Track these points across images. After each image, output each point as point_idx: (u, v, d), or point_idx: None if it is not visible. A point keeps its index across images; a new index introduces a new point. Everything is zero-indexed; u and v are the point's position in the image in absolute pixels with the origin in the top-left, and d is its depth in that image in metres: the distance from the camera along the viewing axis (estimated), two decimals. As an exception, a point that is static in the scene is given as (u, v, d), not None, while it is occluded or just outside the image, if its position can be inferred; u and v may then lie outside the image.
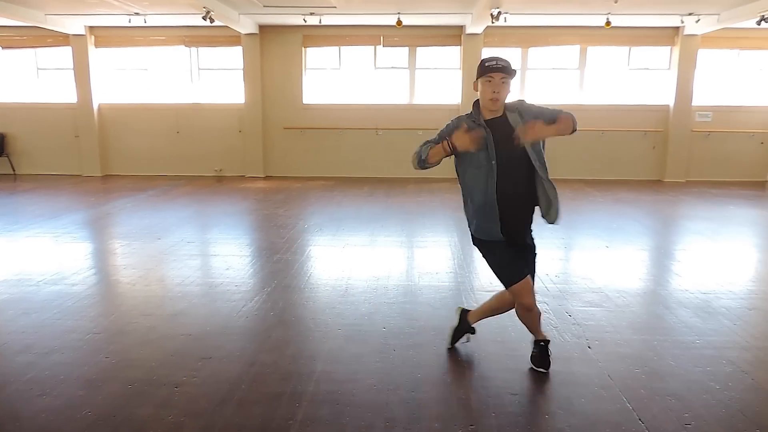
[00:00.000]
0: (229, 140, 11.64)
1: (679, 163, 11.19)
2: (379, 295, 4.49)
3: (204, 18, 8.80)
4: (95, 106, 11.52)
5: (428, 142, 3.06)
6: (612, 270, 5.26)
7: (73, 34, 11.05)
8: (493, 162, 2.88)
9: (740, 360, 3.36)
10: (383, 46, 11.16)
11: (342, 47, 11.33)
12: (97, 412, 2.78)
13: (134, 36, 11.28)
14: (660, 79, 11.21)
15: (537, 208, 3.04)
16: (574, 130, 2.88)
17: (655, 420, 2.72)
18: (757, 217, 8.06)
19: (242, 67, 11.25)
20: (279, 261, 5.46)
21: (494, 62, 2.85)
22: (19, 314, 4.06)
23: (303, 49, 11.30)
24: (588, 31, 10.73)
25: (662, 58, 11.15)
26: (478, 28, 10.36)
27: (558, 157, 2.99)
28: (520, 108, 2.97)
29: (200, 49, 11.52)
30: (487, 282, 4.78)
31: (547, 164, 2.95)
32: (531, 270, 3.11)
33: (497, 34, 10.77)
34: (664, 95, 11.16)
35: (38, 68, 11.80)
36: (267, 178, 11.42)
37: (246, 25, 10.48)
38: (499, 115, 2.95)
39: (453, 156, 3.01)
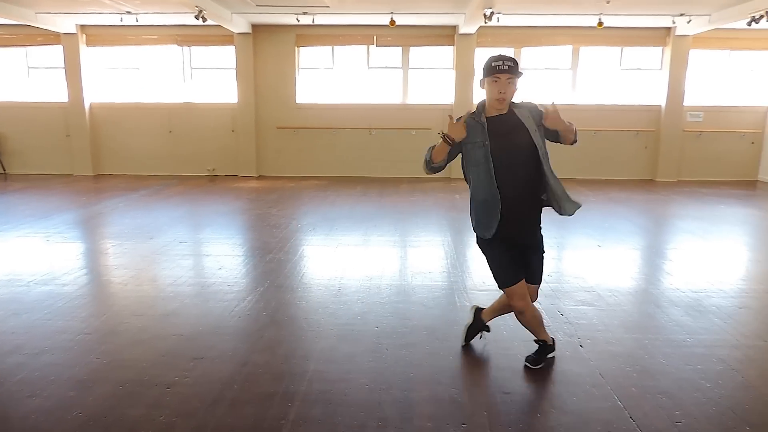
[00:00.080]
0: (222, 140, 11.60)
1: (671, 163, 11.26)
2: (372, 294, 4.49)
3: (196, 17, 8.77)
4: (87, 106, 11.45)
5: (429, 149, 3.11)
6: (604, 269, 5.29)
7: (64, 32, 10.98)
8: (490, 158, 2.90)
9: (730, 358, 3.38)
10: (376, 46, 11.16)
11: (335, 47, 11.31)
12: (88, 413, 2.76)
13: (126, 35, 11.21)
14: (652, 79, 11.27)
15: (544, 209, 3.08)
16: (575, 141, 2.96)
17: (646, 418, 2.73)
18: (748, 216, 8.12)
19: (235, 66, 11.21)
20: (272, 261, 5.45)
21: (501, 62, 2.87)
22: (9, 315, 4.03)
23: (296, 48, 11.28)
24: (580, 31, 10.77)
25: (654, 58, 11.21)
26: (471, 28, 10.38)
27: (551, 157, 3.01)
28: (530, 108, 3.00)
29: (193, 48, 11.47)
30: (479, 281, 4.79)
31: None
32: (533, 273, 3.14)
33: (490, 34, 10.79)
34: (656, 95, 11.22)
35: (29, 67, 11.71)
36: (260, 177, 11.39)
37: (239, 25, 10.45)
38: (504, 113, 2.96)
39: (461, 155, 3.06)
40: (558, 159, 3.01)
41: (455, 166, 3.20)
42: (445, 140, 2.96)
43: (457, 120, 3.00)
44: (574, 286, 4.70)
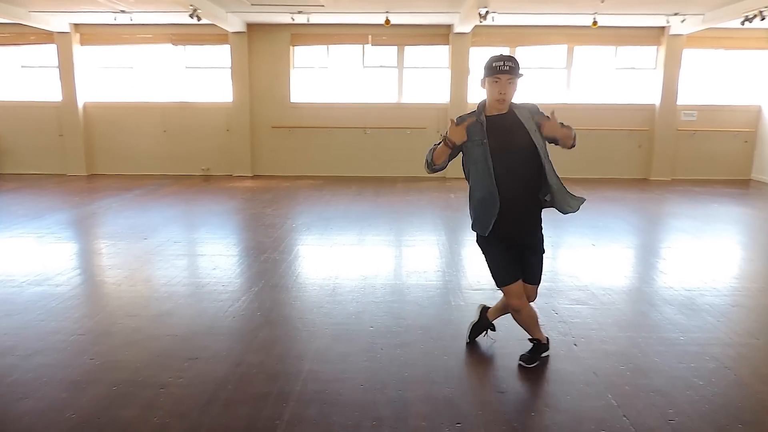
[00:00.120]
0: (217, 139, 11.57)
1: (665, 162, 11.30)
2: (367, 294, 4.49)
3: (191, 16, 8.73)
4: (80, 105, 11.39)
5: (435, 145, 3.13)
6: (598, 268, 5.30)
7: (57, 31, 10.92)
8: (489, 157, 2.92)
9: (723, 356, 3.40)
10: (371, 45, 11.15)
11: (330, 46, 11.29)
12: (81, 414, 2.75)
13: (120, 34, 11.17)
14: (646, 78, 11.30)
15: (547, 210, 3.10)
16: (573, 146, 3.00)
17: (640, 416, 2.74)
18: (741, 215, 8.16)
19: (230, 65, 11.18)
20: (266, 260, 5.44)
21: (502, 63, 2.87)
22: (1, 316, 4.01)
23: (291, 47, 11.26)
24: (575, 30, 10.80)
25: (648, 57, 11.24)
26: (466, 28, 10.38)
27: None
28: (531, 109, 3.01)
29: (187, 47, 11.43)
30: (474, 281, 4.80)
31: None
32: (532, 273, 3.15)
33: (485, 33, 10.80)
34: (650, 94, 11.25)
35: (21, 66, 11.64)
36: (255, 177, 11.37)
37: (233, 24, 10.42)
38: (504, 113, 2.98)
39: (461, 154, 3.09)
40: (552, 158, 3.03)
41: (450, 165, 3.20)
42: (445, 143, 2.99)
43: (458, 121, 3.01)
44: (569, 284, 4.71)
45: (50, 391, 2.96)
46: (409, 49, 11.31)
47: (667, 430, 2.63)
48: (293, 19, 10.12)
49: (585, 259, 5.56)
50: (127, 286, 4.71)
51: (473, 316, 3.63)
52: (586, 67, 11.37)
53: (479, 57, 11.16)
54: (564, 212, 3.05)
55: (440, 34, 11.01)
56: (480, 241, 3.17)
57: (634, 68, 11.33)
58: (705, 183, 10.82)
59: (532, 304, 3.25)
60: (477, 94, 10.91)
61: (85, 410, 2.78)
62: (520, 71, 2.91)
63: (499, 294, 3.99)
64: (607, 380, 3.09)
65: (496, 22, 9.51)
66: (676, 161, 11.35)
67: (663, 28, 10.70)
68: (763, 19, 8.41)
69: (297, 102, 11.44)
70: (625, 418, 2.72)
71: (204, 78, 11.61)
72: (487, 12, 8.52)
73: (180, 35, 11.14)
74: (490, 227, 3.00)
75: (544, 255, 3.20)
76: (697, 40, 10.87)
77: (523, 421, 2.77)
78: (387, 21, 9.93)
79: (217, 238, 6.46)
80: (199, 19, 8.88)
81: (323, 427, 2.66)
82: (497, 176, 2.93)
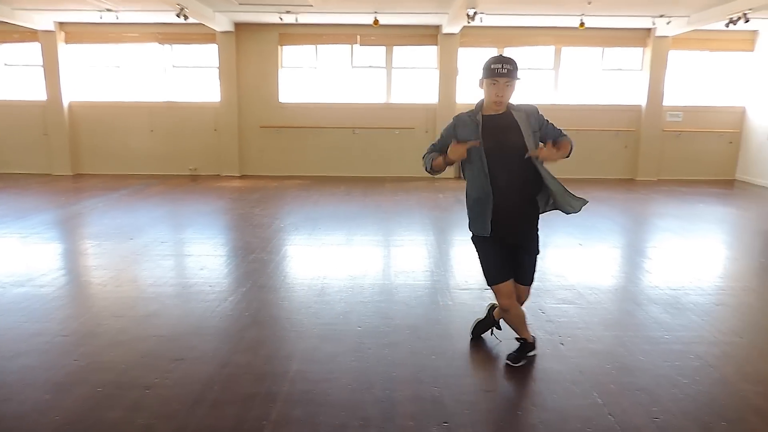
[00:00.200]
0: (204, 139, 11.50)
1: (651, 162, 11.41)
2: (355, 294, 4.49)
3: (178, 15, 8.66)
4: (65, 104, 11.27)
5: (433, 145, 3.19)
6: (585, 267, 5.34)
7: (42, 29, 10.80)
8: (484, 157, 2.94)
9: (707, 355, 3.44)
10: (360, 45, 11.14)
11: (319, 46, 11.27)
12: (65, 416, 2.72)
13: (106, 32, 11.07)
14: (632, 79, 11.40)
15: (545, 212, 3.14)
16: (570, 155, 3.05)
17: (625, 414, 2.77)
18: (726, 215, 8.26)
19: (218, 65, 11.12)
20: (254, 261, 5.42)
21: (500, 65, 2.89)
22: (-16, 317, 3.95)
23: (279, 47, 11.22)
24: (562, 31, 10.87)
25: (635, 58, 11.35)
26: (455, 28, 10.41)
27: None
28: (528, 111, 3.01)
29: (174, 46, 11.36)
30: (462, 280, 4.81)
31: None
32: (524, 274, 3.18)
33: (473, 34, 10.84)
34: (637, 95, 11.35)
35: (5, 64, 11.49)
36: (243, 177, 11.32)
37: (221, 23, 10.37)
38: (501, 113, 2.99)
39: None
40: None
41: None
42: (444, 160, 3.03)
43: (456, 121, 3.06)
44: (556, 284, 4.73)
45: (33, 393, 2.92)
46: (397, 50, 11.32)
47: (652, 428, 2.66)
48: (281, 19, 10.09)
49: (572, 259, 5.60)
50: (113, 286, 4.67)
51: (480, 314, 3.65)
52: (574, 68, 11.45)
53: (468, 57, 11.21)
54: (567, 212, 3.09)
55: (429, 34, 11.03)
56: (475, 238, 3.19)
57: (620, 69, 11.43)
58: (690, 183, 10.93)
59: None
60: (465, 94, 11.03)
61: (69, 412, 2.75)
62: (519, 74, 2.93)
63: (488, 294, 4.02)
64: (593, 379, 3.11)
65: (485, 23, 9.56)
66: (662, 161, 11.46)
67: (649, 29, 10.81)
68: (746, 21, 8.51)
69: (285, 102, 11.41)
70: (610, 417, 2.74)
71: (191, 77, 11.54)
72: (475, 13, 8.54)
73: (167, 34, 11.06)
74: (489, 229, 3.02)
75: (538, 256, 3.22)
76: (682, 41, 10.99)
77: (509, 419, 2.79)
78: (375, 21, 9.93)
79: (204, 239, 6.42)
80: (186, 18, 8.82)
81: (310, 427, 2.65)
82: (492, 177, 2.95)
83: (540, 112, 3.06)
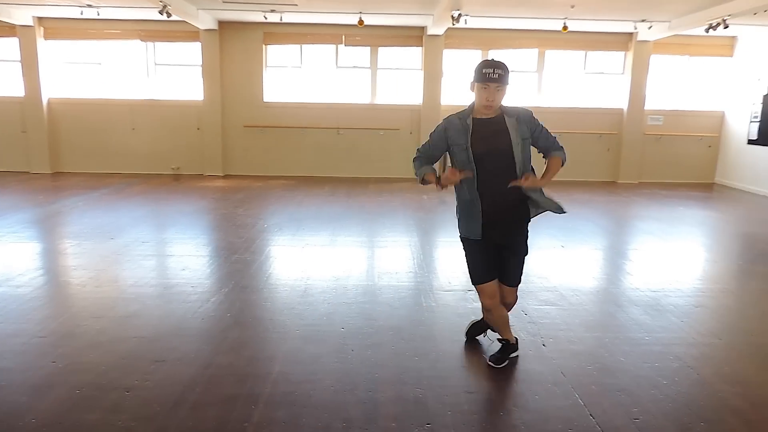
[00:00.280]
0: (187, 138, 11.39)
1: (632, 165, 11.55)
2: (339, 295, 4.47)
3: (160, 12, 8.57)
4: (44, 101, 11.09)
5: (423, 148, 3.18)
6: (567, 269, 5.38)
7: (20, 24, 10.60)
8: (473, 161, 2.96)
9: (687, 356, 3.48)
10: (345, 46, 11.13)
11: (303, 45, 11.23)
12: (42, 418, 2.67)
13: (87, 29, 10.91)
14: (614, 83, 11.54)
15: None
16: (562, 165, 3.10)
17: (605, 415, 2.79)
18: (705, 217, 8.39)
19: (201, 63, 11.02)
20: (237, 261, 5.38)
21: (492, 71, 2.89)
22: (-41, 318, 3.87)
23: (264, 46, 11.16)
24: (546, 35, 10.97)
25: (617, 62, 11.49)
26: (439, 30, 10.44)
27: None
28: (521, 116, 3.01)
29: (157, 43, 11.23)
30: (446, 282, 4.82)
31: (531, 168, 3.06)
32: (509, 275, 3.20)
33: (458, 36, 10.88)
34: (619, 99, 11.49)
35: (-17, 60, 11.29)
36: (226, 176, 11.23)
37: (205, 21, 10.27)
38: (492, 117, 2.99)
39: (447, 152, 3.13)
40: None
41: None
42: (437, 183, 3.05)
43: (446, 123, 3.06)
44: (538, 286, 4.77)
45: (9, 396, 2.86)
46: (382, 50, 11.32)
47: (632, 428, 2.68)
48: (266, 18, 10.04)
49: (554, 261, 5.64)
50: (93, 287, 4.59)
51: (465, 315, 3.66)
52: (557, 71, 11.55)
53: (452, 59, 11.25)
54: (559, 213, 3.13)
55: (413, 35, 11.05)
56: (462, 240, 3.22)
57: (603, 73, 11.56)
58: (671, 186, 11.09)
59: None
60: (450, 96, 11.06)
61: (46, 414, 2.70)
62: (510, 79, 2.94)
63: (471, 295, 4.03)
64: (575, 380, 3.13)
65: (469, 25, 9.61)
66: (643, 165, 11.61)
67: (631, 34, 10.95)
68: (726, 27, 8.68)
69: (270, 101, 11.35)
70: (591, 417, 2.77)
71: (174, 75, 11.42)
72: (459, 15, 8.59)
73: (149, 31, 10.94)
74: (479, 232, 3.04)
75: (525, 257, 3.24)
76: (663, 46, 11.15)
77: (492, 420, 2.80)
78: (360, 21, 9.92)
79: (186, 239, 6.36)
80: (169, 15, 8.73)
81: (293, 428, 2.64)
82: (480, 181, 2.97)
83: (534, 117, 3.05)
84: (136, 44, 11.17)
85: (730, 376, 3.24)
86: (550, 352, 3.50)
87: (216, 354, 3.42)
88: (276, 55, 11.38)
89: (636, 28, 10.43)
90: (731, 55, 11.31)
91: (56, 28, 10.96)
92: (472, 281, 3.22)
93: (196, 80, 11.22)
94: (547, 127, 3.11)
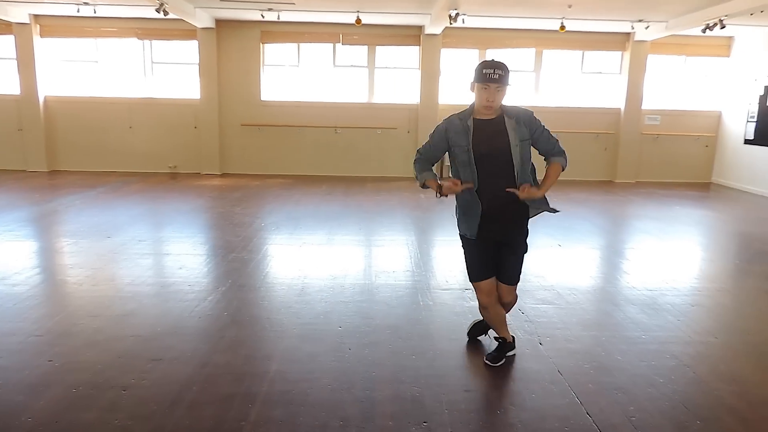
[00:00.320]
0: (184, 136, 11.36)
1: (629, 165, 11.57)
2: (336, 294, 4.47)
3: (157, 10, 8.55)
4: (41, 99, 11.04)
5: (423, 149, 3.18)
6: (564, 268, 5.39)
7: (16, 22, 10.56)
8: (474, 162, 2.97)
9: (683, 354, 3.49)
10: (342, 44, 11.12)
11: (301, 44, 11.22)
12: (38, 417, 2.66)
13: (83, 26, 10.87)
14: (612, 82, 11.56)
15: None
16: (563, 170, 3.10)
17: (602, 413, 2.80)
18: (702, 217, 8.41)
19: (198, 61, 10.99)
20: (234, 260, 5.37)
21: (492, 71, 2.89)
22: (-46, 316, 3.86)
23: (261, 45, 11.14)
24: (543, 34, 10.97)
25: (614, 62, 11.50)
26: (437, 29, 10.44)
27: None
28: (521, 117, 3.00)
29: (154, 42, 11.20)
30: (443, 280, 4.82)
31: (532, 167, 3.07)
32: (507, 273, 3.19)
33: (455, 35, 10.88)
34: (616, 99, 11.51)
35: (-22, 58, 11.24)
36: (223, 175, 11.21)
37: (202, 19, 10.25)
38: (492, 118, 2.99)
39: (448, 153, 3.14)
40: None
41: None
42: (437, 192, 3.06)
43: (446, 124, 3.06)
44: (535, 284, 4.77)
45: (5, 395, 2.85)
46: (380, 49, 11.31)
47: (629, 427, 2.69)
48: (263, 17, 10.02)
49: (551, 260, 5.64)
50: (90, 285, 4.58)
51: (462, 313, 3.67)
52: (554, 70, 11.56)
53: (450, 58, 11.26)
54: (554, 212, 3.16)
55: (411, 34, 11.05)
56: (461, 237, 3.23)
57: (600, 73, 11.57)
58: (668, 186, 11.12)
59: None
60: (447, 95, 11.07)
61: (42, 413, 2.69)
62: (510, 79, 2.94)
63: (468, 294, 4.04)
64: (572, 378, 3.14)
65: (467, 24, 9.60)
66: (640, 164, 11.64)
67: (628, 34, 10.96)
68: (722, 27, 8.70)
69: (267, 100, 11.33)
70: (588, 416, 2.77)
71: (171, 74, 11.39)
72: (457, 14, 8.59)
73: (146, 30, 10.91)
74: (476, 230, 3.05)
75: (525, 254, 3.23)
76: (660, 46, 11.17)
77: (489, 419, 2.80)
78: (358, 20, 9.91)
79: (183, 237, 6.35)
80: (166, 13, 8.71)
81: (290, 427, 2.63)
82: (480, 180, 2.97)
83: (536, 118, 3.04)
84: (133, 42, 11.14)
85: (727, 375, 3.25)
86: (547, 350, 3.51)
87: (213, 353, 3.41)
88: (273, 53, 11.36)
89: (633, 28, 10.44)
90: (728, 56, 11.34)
91: (52, 25, 10.92)
92: (469, 278, 3.24)
93: (193, 79, 11.19)
94: (547, 128, 3.10)
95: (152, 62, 11.32)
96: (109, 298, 4.32)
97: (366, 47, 11.23)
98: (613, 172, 11.63)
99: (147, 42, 11.16)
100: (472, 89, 3.00)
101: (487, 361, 3.29)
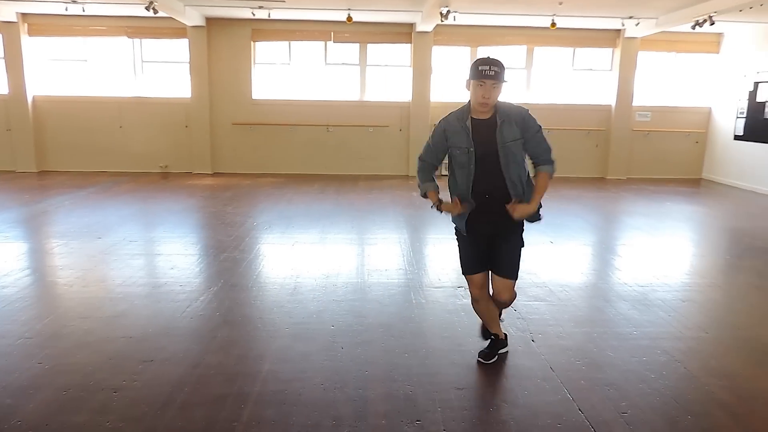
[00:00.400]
0: (175, 135, 11.29)
1: (621, 161, 11.62)
2: (328, 293, 4.46)
3: (147, 8, 8.48)
4: (29, 98, 10.93)
5: (425, 152, 3.17)
6: (556, 265, 5.41)
7: (3, 20, 10.45)
8: (472, 165, 2.97)
9: (674, 350, 3.51)
10: (334, 42, 11.08)
11: (292, 42, 11.17)
12: (28, 420, 2.64)
13: (72, 25, 10.77)
14: (602, 79, 11.60)
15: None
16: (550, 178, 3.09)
17: (594, 409, 2.81)
18: (692, 213, 8.46)
19: (188, 60, 10.93)
20: (226, 260, 5.35)
21: (488, 67, 2.87)
22: (-58, 319, 3.82)
23: (252, 43, 11.09)
24: (534, 31, 10.98)
25: (605, 59, 11.54)
26: (428, 27, 10.43)
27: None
28: (514, 116, 2.98)
29: (144, 40, 11.12)
30: (435, 278, 4.83)
31: (524, 167, 3.05)
32: (500, 264, 3.15)
33: (446, 32, 10.88)
34: (607, 95, 11.55)
35: (-34, 57, 11.12)
36: (215, 174, 11.16)
37: (192, 17, 10.18)
38: (487, 117, 2.98)
39: (447, 152, 3.13)
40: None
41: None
42: (437, 208, 3.08)
43: (442, 124, 3.07)
44: (527, 281, 4.78)
45: (-6, 398, 2.83)
46: (371, 47, 11.28)
47: (621, 423, 2.70)
48: (254, 14, 9.97)
49: (543, 257, 5.66)
50: (80, 286, 4.55)
51: (456, 312, 3.66)
52: (545, 67, 11.59)
53: (441, 56, 11.25)
54: (537, 220, 3.14)
55: (402, 32, 11.03)
56: (455, 232, 3.25)
57: (591, 69, 11.61)
58: (658, 182, 11.18)
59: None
60: (439, 92, 11.07)
61: (32, 416, 2.67)
62: (505, 76, 2.92)
63: (461, 291, 4.04)
64: (564, 375, 3.15)
65: (458, 22, 9.61)
66: (631, 161, 11.69)
67: (618, 30, 11.00)
68: (712, 24, 8.74)
69: (258, 98, 11.28)
70: (580, 412, 2.78)
71: (161, 73, 11.32)
72: (448, 11, 8.58)
73: (136, 28, 10.82)
74: (464, 226, 3.08)
75: (521, 249, 3.19)
76: (650, 42, 11.22)
77: (481, 417, 2.80)
78: (349, 18, 9.88)
79: (175, 237, 6.32)
80: (155, 11, 8.64)
81: (282, 427, 2.63)
82: (476, 179, 2.98)
83: (531, 117, 3.00)
84: (123, 41, 11.05)
85: (717, 370, 3.27)
86: (539, 347, 3.52)
87: (205, 353, 3.40)
88: (264, 51, 11.31)
89: (623, 25, 10.47)
90: (718, 52, 11.40)
91: (40, 24, 10.81)
92: (462, 272, 3.25)
93: (183, 78, 11.12)
94: (543, 132, 3.07)
95: (142, 61, 11.24)
96: (99, 300, 4.29)
97: (357, 45, 11.20)
98: (605, 169, 11.68)
99: (137, 40, 11.08)
100: (468, 87, 2.99)
101: (479, 359, 3.30)
